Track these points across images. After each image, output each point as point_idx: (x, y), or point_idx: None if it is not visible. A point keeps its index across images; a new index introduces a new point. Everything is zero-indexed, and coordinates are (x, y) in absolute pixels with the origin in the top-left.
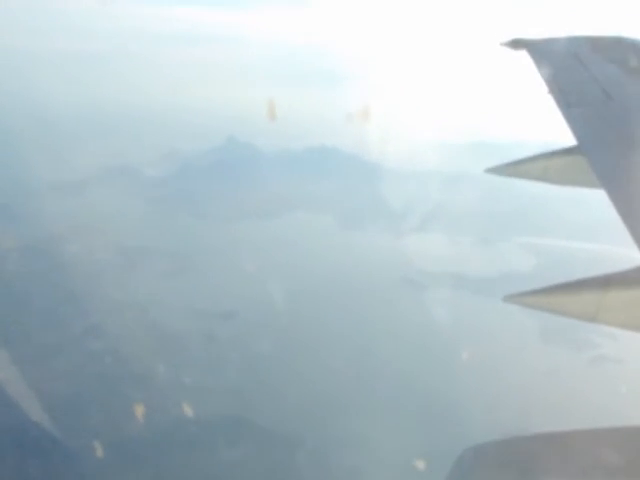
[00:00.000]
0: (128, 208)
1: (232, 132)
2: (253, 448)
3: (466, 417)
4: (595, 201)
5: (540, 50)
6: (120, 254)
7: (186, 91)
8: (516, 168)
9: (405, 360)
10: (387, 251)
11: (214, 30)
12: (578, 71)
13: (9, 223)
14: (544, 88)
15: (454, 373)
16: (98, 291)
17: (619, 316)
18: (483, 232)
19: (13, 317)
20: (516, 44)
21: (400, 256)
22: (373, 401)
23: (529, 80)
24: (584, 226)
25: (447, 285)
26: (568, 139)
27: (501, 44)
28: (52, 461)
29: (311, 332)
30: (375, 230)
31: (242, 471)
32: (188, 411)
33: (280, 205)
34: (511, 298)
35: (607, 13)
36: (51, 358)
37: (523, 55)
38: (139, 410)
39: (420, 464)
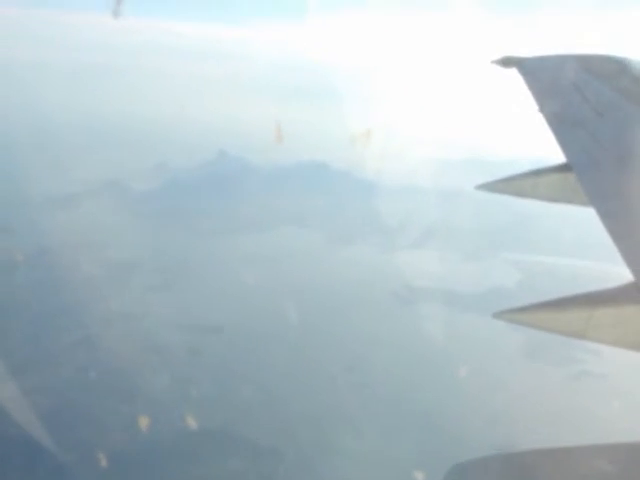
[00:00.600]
0: (117, 222)
1: (224, 146)
2: (239, 461)
3: (449, 432)
4: (583, 219)
5: (530, 68)
6: (108, 268)
7: (180, 105)
8: (507, 185)
9: (390, 375)
10: (375, 267)
11: (211, 45)
12: (568, 89)
13: None
14: (534, 106)
15: (437, 388)
16: (86, 305)
17: (608, 333)
18: (472, 248)
19: (1, 330)
20: (507, 62)
21: (387, 272)
22: (358, 415)
23: (520, 98)
24: (572, 243)
25: (433, 300)
26: (560, 157)
27: (492, 62)
28: (39, 471)
29: (297, 346)
30: (364, 246)
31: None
32: (174, 423)
33: (269, 220)
34: (501, 315)
35: (596, 31)
36: (39, 370)
37: (513, 73)
38: (124, 422)
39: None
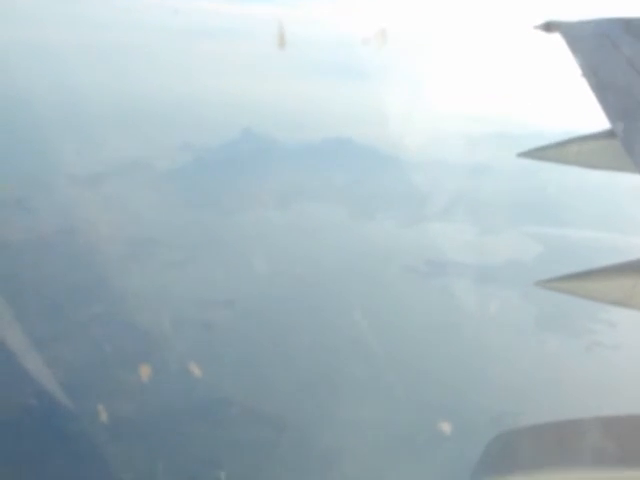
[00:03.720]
0: (141, 201)
1: (249, 124)
2: (249, 431)
3: (463, 402)
4: (609, 192)
5: (574, 33)
6: (131, 245)
7: (203, 84)
8: (549, 152)
9: (405, 346)
10: (396, 241)
11: (232, 23)
12: (612, 53)
13: (24, 216)
14: (578, 71)
15: (452, 359)
16: (106, 281)
17: None
18: (494, 222)
19: (24, 305)
20: (549, 27)
21: (408, 246)
22: (371, 386)
23: (563, 63)
24: (596, 216)
25: (452, 273)
26: (598, 125)
27: (534, 27)
28: (51, 443)
29: (311, 318)
30: (385, 220)
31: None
32: (184, 394)
33: (293, 196)
34: (543, 283)
35: None
36: (58, 343)
37: (556, 38)
38: (135, 391)
39: (421, 444)
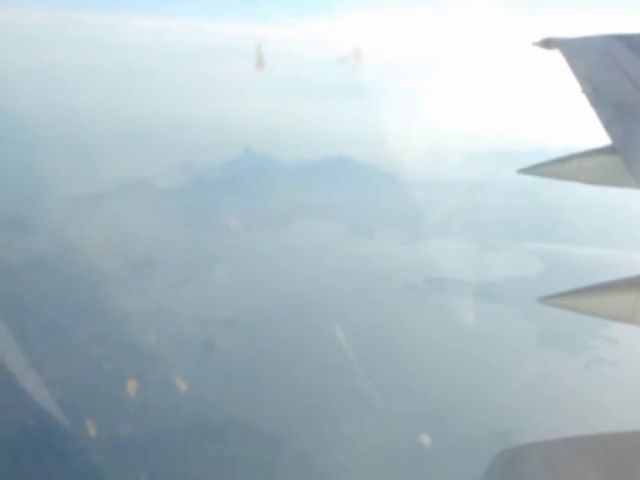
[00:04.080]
0: (142, 220)
1: (249, 144)
2: (249, 450)
3: (463, 419)
4: (609, 208)
5: (573, 49)
6: (132, 265)
7: (204, 104)
8: (549, 168)
9: (404, 364)
10: (395, 259)
11: (232, 43)
12: (612, 70)
13: (24, 235)
14: (577, 88)
15: (452, 376)
16: (106, 300)
17: None
18: (494, 239)
19: (24, 325)
20: (549, 44)
21: (407, 264)
22: (370, 404)
23: (562, 80)
24: (597, 233)
25: (451, 291)
26: (597, 141)
27: (533, 44)
28: (50, 463)
29: (310, 336)
30: (385, 238)
31: (238, 470)
32: (184, 413)
33: (293, 215)
34: (546, 300)
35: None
36: (58, 362)
37: (556, 55)
38: (137, 410)
39: (421, 461)
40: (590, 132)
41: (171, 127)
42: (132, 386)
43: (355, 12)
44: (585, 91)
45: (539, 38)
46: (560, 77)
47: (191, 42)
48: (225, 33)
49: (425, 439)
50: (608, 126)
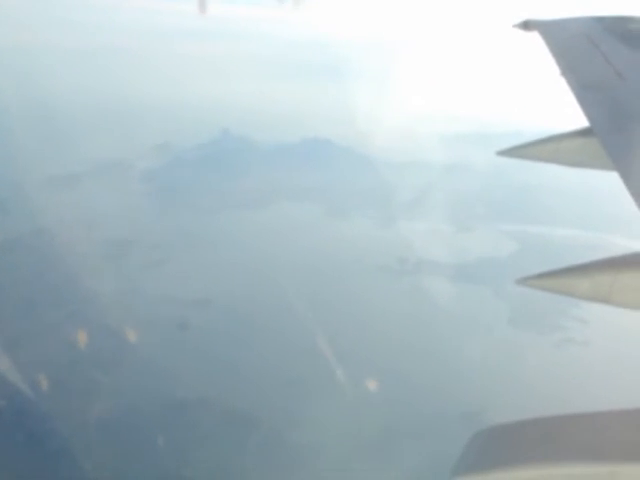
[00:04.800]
0: (119, 201)
1: (227, 125)
2: (223, 429)
3: (433, 399)
4: (586, 190)
5: (552, 31)
6: (107, 246)
7: (182, 85)
8: (527, 150)
9: (375, 344)
10: (370, 240)
11: (209, 24)
12: (590, 52)
13: (0, 216)
14: (556, 70)
15: (423, 356)
16: (80, 282)
17: (632, 297)
18: (469, 221)
19: None
20: (528, 26)
21: (382, 245)
22: (343, 384)
23: (541, 62)
24: (573, 214)
25: (424, 271)
26: (575, 123)
27: (513, 26)
28: (22, 444)
29: (285, 317)
30: (361, 220)
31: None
32: (158, 393)
33: (270, 196)
34: (524, 281)
35: None
36: (28, 344)
37: (535, 37)
38: (108, 392)
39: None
40: (568, 114)
41: (149, 107)
42: (106, 365)
43: None
44: (563, 73)
45: (518, 20)
46: (539, 59)
47: (169, 23)
48: (199, 14)
49: (396, 419)
50: (586, 108)
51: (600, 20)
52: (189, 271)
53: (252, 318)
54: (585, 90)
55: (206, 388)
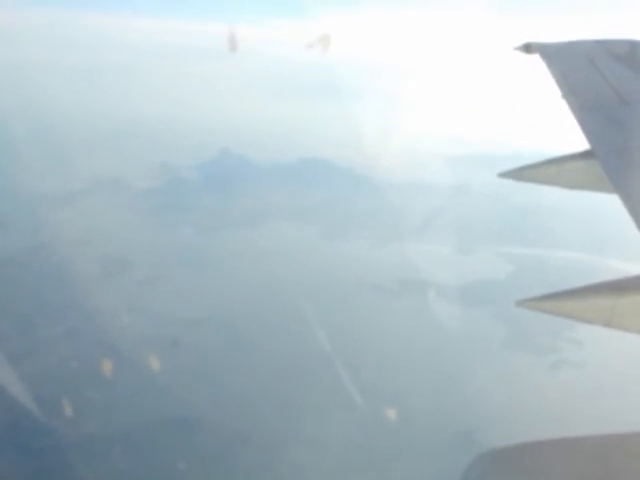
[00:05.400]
0: (117, 219)
1: (226, 145)
2: (215, 446)
3: (427, 420)
4: (582, 213)
5: (553, 54)
6: (106, 264)
7: (182, 104)
8: (529, 172)
9: (370, 365)
10: (368, 261)
11: (212, 43)
12: (591, 74)
13: None
14: (558, 92)
15: (419, 376)
16: (79, 298)
17: (633, 321)
18: (467, 242)
19: None
20: (529, 48)
21: (379, 266)
22: (336, 403)
23: (543, 85)
24: (573, 237)
25: (421, 293)
26: (577, 145)
27: (514, 48)
28: (16, 459)
29: (280, 337)
30: (359, 240)
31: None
32: (153, 411)
33: (268, 216)
34: (523, 303)
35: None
36: (24, 360)
37: (536, 59)
38: (105, 407)
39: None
40: (570, 137)
41: (149, 127)
42: (101, 383)
43: (337, 14)
44: (565, 96)
45: (520, 42)
46: (540, 81)
47: (169, 42)
48: (204, 33)
49: (389, 439)
50: (587, 131)
51: (602, 43)
52: (185, 289)
53: (248, 337)
54: (586, 113)
55: (200, 406)
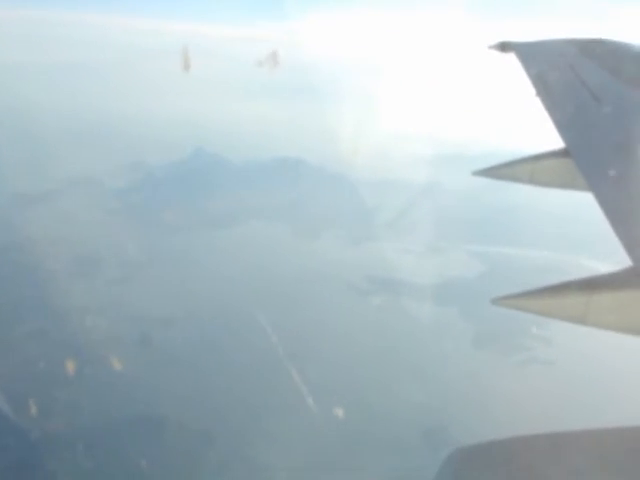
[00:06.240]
0: (88, 218)
1: (201, 144)
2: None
3: (395, 417)
4: (561, 211)
5: (528, 53)
6: (75, 263)
7: (157, 104)
8: (504, 171)
9: (338, 362)
10: (339, 259)
11: (188, 44)
12: (565, 73)
13: None
14: (532, 91)
15: (387, 374)
16: (46, 298)
17: (608, 318)
18: (438, 241)
19: None
20: (504, 47)
21: (349, 264)
22: (304, 402)
23: (517, 83)
24: (546, 235)
25: (390, 291)
26: (552, 144)
27: (489, 47)
28: None
29: (248, 336)
30: (331, 239)
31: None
32: (119, 410)
33: (240, 215)
34: (498, 301)
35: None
36: None
37: (511, 58)
38: (65, 407)
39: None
40: (544, 135)
41: (123, 126)
42: (67, 382)
43: (316, 15)
44: (539, 94)
45: (495, 41)
46: (515, 80)
47: (144, 41)
48: (176, 33)
49: (358, 437)
50: (561, 129)
51: (575, 42)
52: (156, 289)
53: (217, 337)
54: (561, 111)
55: (167, 405)
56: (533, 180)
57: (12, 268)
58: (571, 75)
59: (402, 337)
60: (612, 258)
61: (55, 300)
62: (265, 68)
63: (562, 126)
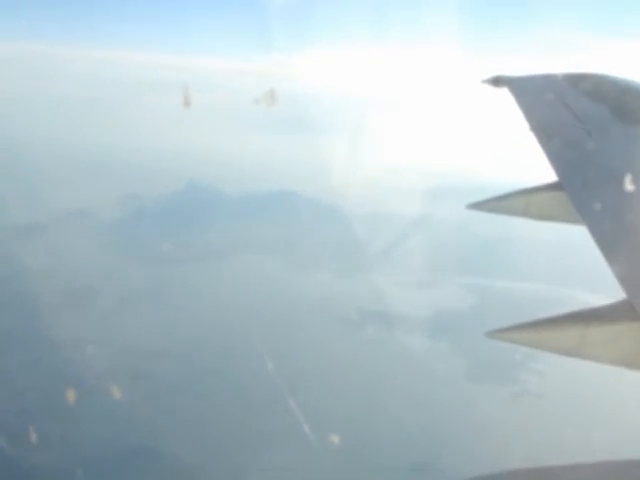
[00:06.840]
0: (82, 250)
1: (195, 176)
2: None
3: (385, 450)
4: (549, 244)
5: (522, 87)
6: (68, 295)
7: (150, 136)
8: (497, 204)
9: (332, 395)
10: (331, 292)
11: (181, 76)
12: (558, 107)
13: None
14: (526, 125)
15: (379, 408)
16: (40, 329)
17: (603, 351)
18: (431, 274)
19: None
20: (497, 81)
21: (342, 297)
22: (297, 436)
23: (511, 117)
24: (539, 268)
25: (383, 324)
26: (547, 177)
27: (482, 81)
28: None
29: (240, 368)
30: (323, 272)
31: None
32: (110, 444)
33: (233, 248)
34: (493, 334)
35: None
36: None
37: (505, 92)
38: (56, 440)
39: None
40: (538, 168)
41: (116, 158)
42: (61, 415)
43: (308, 49)
44: (532, 128)
45: (488, 76)
46: (509, 114)
47: (138, 74)
48: (173, 66)
49: (350, 470)
50: (554, 162)
51: (568, 77)
52: (149, 322)
53: (210, 370)
54: (554, 145)
55: (161, 438)
56: (527, 213)
57: (5, 299)
58: (563, 109)
59: (393, 370)
60: (606, 291)
61: (48, 332)
62: (262, 105)
63: (555, 160)
